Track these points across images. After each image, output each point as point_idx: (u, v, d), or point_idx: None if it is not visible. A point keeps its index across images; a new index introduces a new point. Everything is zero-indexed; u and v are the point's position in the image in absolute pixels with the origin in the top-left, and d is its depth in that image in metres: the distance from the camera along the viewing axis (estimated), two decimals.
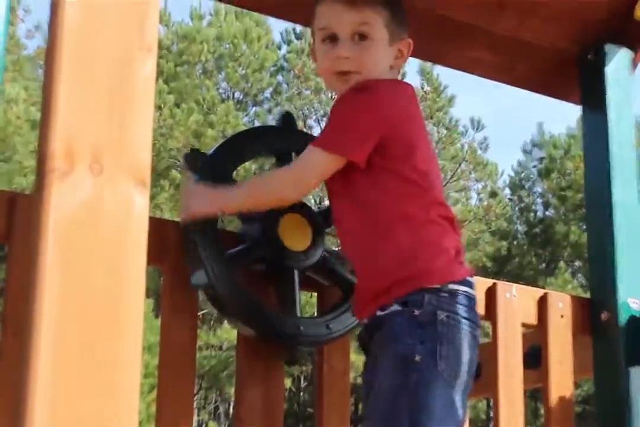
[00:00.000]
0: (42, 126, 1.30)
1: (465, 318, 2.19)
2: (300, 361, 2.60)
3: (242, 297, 2.48)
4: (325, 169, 2.29)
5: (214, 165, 2.58)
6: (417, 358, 2.12)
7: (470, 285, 2.24)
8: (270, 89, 24.57)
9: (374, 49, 2.36)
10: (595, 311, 3.07)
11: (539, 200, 25.92)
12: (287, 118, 2.80)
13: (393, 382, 2.13)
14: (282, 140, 2.76)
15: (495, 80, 3.40)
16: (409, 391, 2.10)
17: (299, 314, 2.59)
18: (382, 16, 2.37)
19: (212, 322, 20.54)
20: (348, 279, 2.64)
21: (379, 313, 2.21)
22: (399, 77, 2.55)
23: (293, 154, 2.71)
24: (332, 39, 2.36)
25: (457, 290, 2.20)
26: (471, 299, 2.23)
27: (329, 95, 24.40)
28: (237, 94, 24.48)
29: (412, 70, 34.06)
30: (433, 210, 2.27)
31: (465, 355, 2.16)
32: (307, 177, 2.33)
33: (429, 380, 2.11)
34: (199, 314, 2.58)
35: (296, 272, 2.60)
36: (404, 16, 2.46)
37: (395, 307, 2.19)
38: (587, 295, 3.21)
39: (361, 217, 2.30)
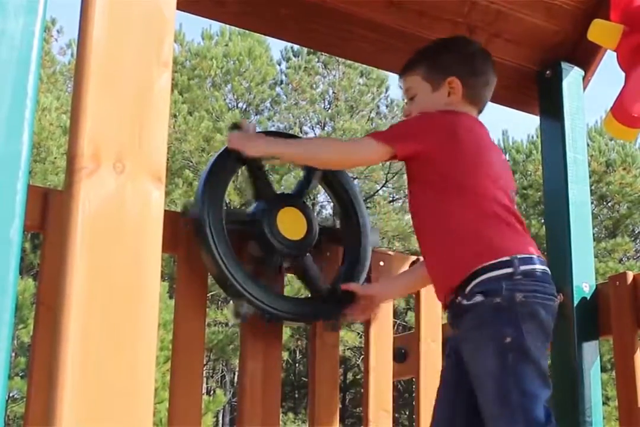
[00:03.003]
0: (72, 131, 1.30)
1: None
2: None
3: (245, 281, 2.48)
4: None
5: (225, 163, 2.58)
6: None
7: None
8: (270, 99, 24.54)
9: (421, 103, 2.55)
10: None
11: None
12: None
13: None
14: None
15: None
16: None
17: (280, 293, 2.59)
18: (419, 74, 2.57)
19: (219, 302, 20.52)
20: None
21: None
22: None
23: None
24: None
25: None
26: None
27: (322, 105, 24.38)
28: (241, 104, 24.44)
29: (395, 84, 34.02)
30: None
31: None
32: None
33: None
34: (208, 295, 2.57)
35: (286, 258, 2.58)
36: (442, 62, 2.58)
37: None
38: None
39: None
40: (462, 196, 2.35)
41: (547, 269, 2.30)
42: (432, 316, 2.93)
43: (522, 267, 2.23)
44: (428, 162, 2.39)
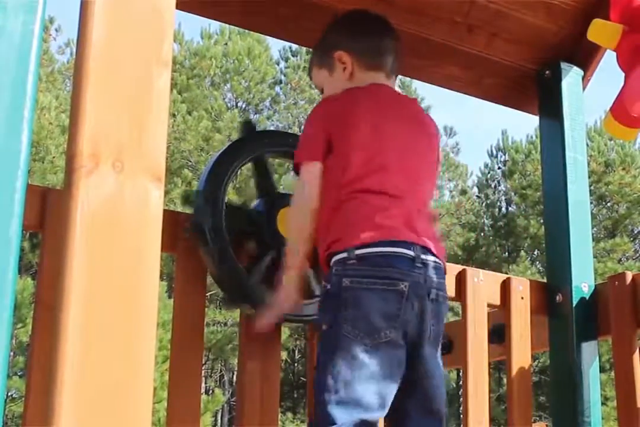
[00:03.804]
0: (71, 130, 1.30)
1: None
2: None
3: (240, 280, 2.48)
4: None
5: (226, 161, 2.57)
6: None
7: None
8: (270, 99, 24.54)
9: (328, 89, 2.45)
10: (551, 294, 3.07)
11: (503, 198, 25.91)
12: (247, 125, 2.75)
13: None
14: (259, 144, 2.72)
15: (465, 93, 3.40)
16: None
17: None
18: (315, 65, 2.52)
19: (218, 302, 20.53)
20: None
21: None
22: None
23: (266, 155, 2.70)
24: None
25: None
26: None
27: None
28: (240, 104, 24.45)
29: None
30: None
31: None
32: None
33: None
34: (206, 294, 2.57)
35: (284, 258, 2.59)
36: (326, 43, 2.50)
37: None
38: (544, 280, 3.21)
39: None
40: (328, 180, 2.24)
41: (404, 252, 2.12)
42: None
43: (357, 252, 2.09)
44: (330, 148, 2.28)
